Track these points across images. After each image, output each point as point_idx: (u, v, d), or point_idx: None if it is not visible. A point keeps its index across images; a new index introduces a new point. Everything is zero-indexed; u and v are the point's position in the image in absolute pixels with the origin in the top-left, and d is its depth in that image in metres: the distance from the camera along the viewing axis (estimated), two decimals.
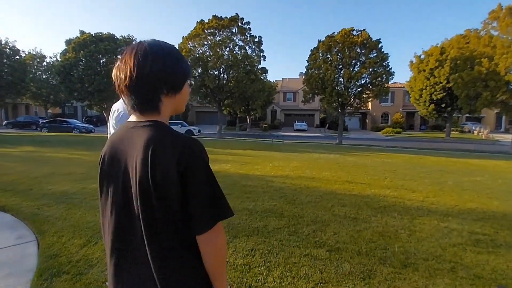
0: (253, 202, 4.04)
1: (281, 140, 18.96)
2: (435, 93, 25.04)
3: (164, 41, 0.78)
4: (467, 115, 26.67)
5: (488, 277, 2.27)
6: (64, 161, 7.43)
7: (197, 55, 21.17)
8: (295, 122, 35.10)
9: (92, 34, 20.87)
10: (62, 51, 21.24)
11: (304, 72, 20.94)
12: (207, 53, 21.19)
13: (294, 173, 6.39)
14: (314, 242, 2.80)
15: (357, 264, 2.38)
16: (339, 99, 19.25)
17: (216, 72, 21.60)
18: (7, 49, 20.71)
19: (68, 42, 21.11)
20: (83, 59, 19.88)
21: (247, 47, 21.57)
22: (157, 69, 0.72)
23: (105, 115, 23.29)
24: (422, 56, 26.26)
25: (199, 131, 25.28)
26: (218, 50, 20.65)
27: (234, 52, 21.05)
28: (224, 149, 11.36)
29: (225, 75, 21.62)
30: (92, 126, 26.41)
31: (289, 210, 3.74)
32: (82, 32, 21.11)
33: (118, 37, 21.92)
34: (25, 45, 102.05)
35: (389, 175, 6.46)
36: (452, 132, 30.57)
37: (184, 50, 20.83)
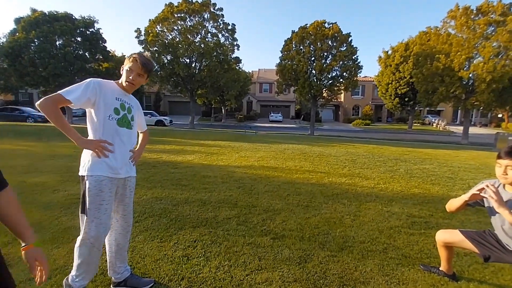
0: (209, 193, 4.01)
1: (254, 131, 19.00)
2: (399, 87, 26.47)
3: None
4: (428, 108, 28.57)
5: (414, 256, 2.46)
6: (7, 153, 6.81)
7: (166, 41, 20.24)
8: (271, 114, 35.32)
9: (46, 13, 18.95)
10: (11, 30, 19.17)
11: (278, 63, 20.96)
12: (177, 39, 20.34)
13: (258, 164, 6.43)
14: (261, 230, 2.84)
15: (297, 249, 2.46)
16: (311, 91, 19.60)
17: (188, 60, 20.87)
18: None
19: (17, 21, 19.01)
20: (36, 40, 18.06)
21: (220, 35, 21.03)
22: None
23: None
24: (390, 52, 27.50)
25: (171, 121, 24.53)
26: (189, 36, 19.90)
27: (207, 39, 20.42)
28: (193, 140, 11.13)
29: (197, 64, 20.98)
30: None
31: (243, 200, 3.76)
32: (33, 10, 19.09)
33: (77, 17, 20.18)
34: None
35: (348, 164, 6.75)
36: (414, 124, 32.71)
37: (151, 34, 19.79)
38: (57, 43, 18.93)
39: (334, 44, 19.00)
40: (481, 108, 18.92)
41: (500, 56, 16.26)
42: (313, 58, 19.43)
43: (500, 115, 35.25)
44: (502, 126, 32.10)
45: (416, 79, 19.02)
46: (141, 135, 2.05)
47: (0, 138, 9.44)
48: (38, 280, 0.95)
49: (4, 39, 19.35)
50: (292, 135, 18.73)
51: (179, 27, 20.56)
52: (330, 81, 20.19)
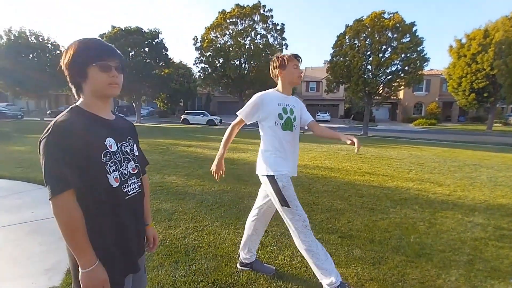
0: None
1: (302, 131, 18.69)
2: (476, 81, 22.91)
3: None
4: None
5: (504, 270, 2.18)
6: None
7: (219, 46, 21.30)
8: (318, 113, 34.26)
9: (122, 28, 21.67)
10: None
11: (328, 60, 20.21)
12: (229, 43, 21.23)
13: (312, 163, 6.36)
14: (327, 228, 2.85)
15: (369, 250, 2.41)
16: (366, 88, 18.39)
17: (238, 62, 21.64)
18: None
19: (101, 37, 22.27)
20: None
21: (269, 36, 21.27)
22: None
23: (134, 104, 24.47)
24: (464, 40, 24.00)
25: (221, 120, 25.73)
26: (239, 39, 20.60)
27: (256, 41, 20.86)
28: (244, 139, 11.54)
29: (246, 65, 21.60)
30: (123, 115, 27.99)
31: (304, 198, 3.80)
32: (113, 27, 22.02)
33: (145, 30, 22.58)
34: None
35: (415, 168, 6.19)
36: (494, 125, 27.95)
37: (206, 40, 21.04)
38: (130, 54, 21.53)
39: (395, 35, 17.44)
40: None
41: None
42: (369, 53, 18.17)
43: None
44: None
45: (498, 71, 16.27)
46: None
47: None
48: (151, 249, 1.19)
49: None
50: None
51: (231, 32, 21.43)
52: (388, 77, 18.62)
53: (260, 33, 21.55)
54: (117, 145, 0.94)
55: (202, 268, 2.07)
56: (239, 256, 2.10)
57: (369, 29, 17.98)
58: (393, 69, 18.36)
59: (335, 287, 1.66)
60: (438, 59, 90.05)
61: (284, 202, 1.73)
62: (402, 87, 19.93)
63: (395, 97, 29.32)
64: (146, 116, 34.41)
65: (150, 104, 39.56)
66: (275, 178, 1.73)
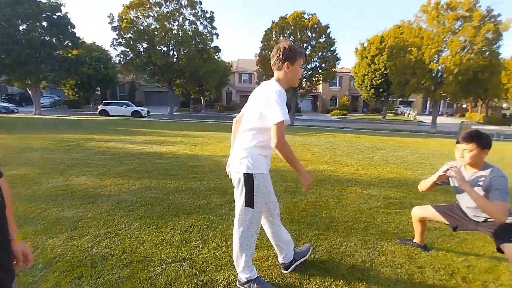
0: (198, 182, 4.07)
1: None
2: (375, 78, 27.48)
3: None
4: (400, 99, 30.03)
5: (391, 232, 2.74)
6: None
7: (142, 28, 19.36)
8: None
9: None
10: None
11: (258, 53, 20.88)
12: (153, 26, 19.52)
13: None
14: None
15: (289, 230, 2.62)
16: None
17: (165, 49, 20.18)
18: None
19: None
20: None
21: (198, 23, 20.46)
22: None
23: (29, 92, 20.04)
24: (366, 44, 28.34)
25: (148, 112, 23.75)
26: (165, 23, 19.17)
27: (184, 27, 19.80)
28: (175, 131, 10.97)
29: (175, 52, 20.35)
30: (14, 105, 22.72)
31: (233, 188, 3.87)
32: None
33: (42, 0, 18.63)
34: None
35: (329, 152, 7.07)
36: (388, 114, 34.28)
37: (125, 20, 18.82)
38: (21, 28, 17.39)
39: (313, 35, 19.25)
40: (448, 99, 20.28)
41: (466, 50, 17.45)
42: None
43: (464, 106, 37.95)
44: (466, 116, 34.66)
45: (390, 71, 19.89)
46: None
47: None
48: (22, 267, 1.01)
49: None
50: None
51: (155, 14, 19.71)
52: (309, 72, 20.53)
53: (189, 19, 20.46)
54: None
55: (112, 279, 1.83)
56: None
57: (292, 27, 19.26)
58: (313, 65, 20.27)
59: (252, 279, 1.76)
60: (350, 59, 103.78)
61: (249, 203, 1.67)
62: (321, 82, 22.26)
63: (315, 91, 32.50)
64: (50, 107, 28.78)
65: (55, 92, 33.11)
66: (253, 176, 1.64)
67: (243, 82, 40.06)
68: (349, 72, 36.17)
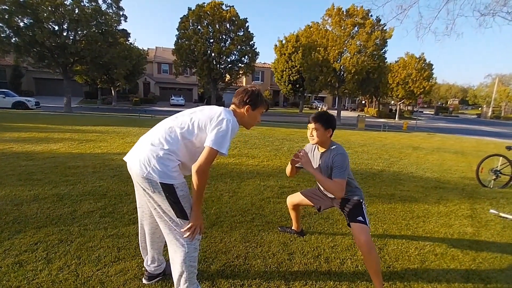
0: (71, 186, 3.35)
1: (151, 115, 17.41)
2: (292, 75, 29.62)
3: None
4: (313, 94, 33.37)
5: (276, 221, 2.78)
6: None
7: None
8: (172, 97, 33.15)
9: None
10: None
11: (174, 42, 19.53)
12: None
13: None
14: (129, 219, 2.58)
15: None
16: (211, 74, 19.40)
17: (56, 27, 16.67)
18: None
19: None
20: None
21: (100, 1, 17.61)
22: None
23: None
24: (284, 41, 30.15)
25: (37, 103, 19.38)
26: None
27: (82, 4, 16.72)
28: (66, 126, 9.14)
29: (70, 32, 17.04)
30: None
31: (116, 190, 3.33)
32: None
33: None
34: None
35: (240, 145, 7.08)
36: (304, 109, 37.68)
37: None
38: None
39: (232, 28, 19.20)
40: (348, 95, 23.55)
41: (361, 53, 20.46)
42: (211, 40, 19.11)
43: (364, 102, 45.07)
44: (365, 110, 41.19)
45: (303, 68, 21.67)
46: None
47: None
48: None
49: None
50: None
51: None
52: (229, 65, 20.50)
53: None
54: None
55: None
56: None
57: (210, 17, 18.70)
58: (233, 58, 20.29)
59: None
60: (270, 55, 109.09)
61: (182, 214, 1.44)
62: (241, 76, 22.55)
63: (237, 84, 32.81)
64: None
65: None
66: (174, 186, 1.39)
67: (162, 73, 37.05)
68: (270, 68, 37.96)
